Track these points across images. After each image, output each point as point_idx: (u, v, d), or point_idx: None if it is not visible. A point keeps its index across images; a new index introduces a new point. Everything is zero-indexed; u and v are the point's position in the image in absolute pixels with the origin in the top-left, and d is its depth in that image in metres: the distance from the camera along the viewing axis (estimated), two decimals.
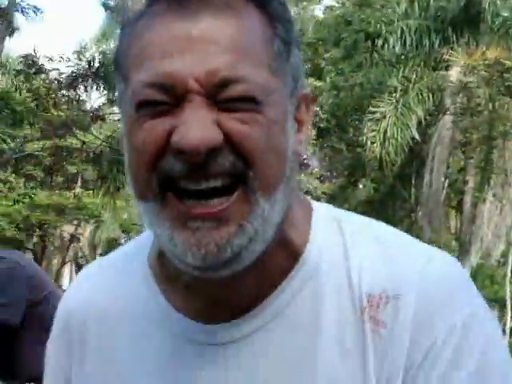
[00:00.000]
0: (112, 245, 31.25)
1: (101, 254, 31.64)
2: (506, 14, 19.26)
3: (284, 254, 1.05)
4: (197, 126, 0.93)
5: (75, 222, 28.82)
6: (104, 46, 28.92)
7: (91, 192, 23.98)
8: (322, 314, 1.03)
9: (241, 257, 0.97)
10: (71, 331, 1.17)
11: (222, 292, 1.04)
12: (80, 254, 32.24)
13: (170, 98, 0.95)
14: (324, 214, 1.11)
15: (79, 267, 31.72)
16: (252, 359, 1.04)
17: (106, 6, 25.48)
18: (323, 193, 23.85)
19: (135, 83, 0.97)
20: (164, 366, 1.08)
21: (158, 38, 0.97)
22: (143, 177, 0.98)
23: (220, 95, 0.94)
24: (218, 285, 1.02)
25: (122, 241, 30.99)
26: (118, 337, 1.13)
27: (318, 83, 23.59)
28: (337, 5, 29.41)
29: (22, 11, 20.93)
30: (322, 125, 22.56)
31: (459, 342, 1.00)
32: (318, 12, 32.00)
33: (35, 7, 21.27)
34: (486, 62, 17.96)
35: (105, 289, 1.16)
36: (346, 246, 1.07)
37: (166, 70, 0.95)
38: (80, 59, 19.14)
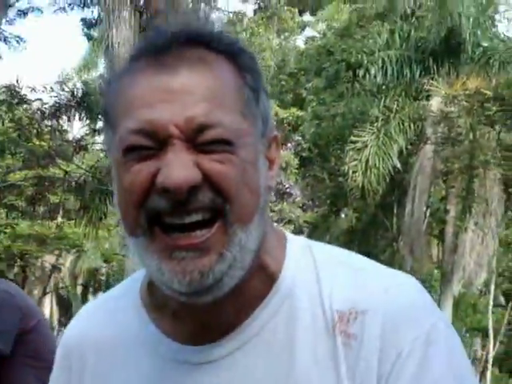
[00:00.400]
0: (93, 275, 31.10)
1: (82, 285, 31.46)
2: (486, 45, 19.46)
3: (260, 280, 1.16)
4: (179, 167, 1.05)
5: (56, 252, 28.66)
6: (86, 76, 28.97)
7: (73, 222, 23.88)
8: (296, 334, 1.13)
9: (222, 282, 1.09)
10: (71, 367, 1.28)
11: (205, 316, 1.15)
12: (61, 285, 32.03)
13: (153, 142, 1.07)
14: (297, 243, 1.22)
15: (60, 298, 31.52)
16: (231, 377, 1.14)
17: (88, 37, 25.54)
18: (305, 221, 23.91)
19: (122, 131, 1.09)
20: None
21: (141, 91, 1.09)
22: (132, 215, 1.09)
23: (198, 139, 1.07)
24: (201, 310, 1.13)
25: (103, 270, 30.86)
26: (113, 365, 1.23)
27: (300, 113, 23.74)
28: (318, 35, 29.67)
29: (5, 40, 20.97)
30: (304, 154, 22.70)
31: (423, 351, 1.09)
32: (300, 42, 32.26)
33: (18, 37, 21.31)
34: (467, 91, 18.12)
35: (99, 324, 1.28)
36: (317, 272, 1.17)
37: (150, 118, 1.07)
38: (63, 89, 19.15)
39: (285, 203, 22.22)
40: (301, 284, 1.16)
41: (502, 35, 20.63)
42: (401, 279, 1.17)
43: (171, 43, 1.11)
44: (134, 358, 1.21)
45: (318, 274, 1.17)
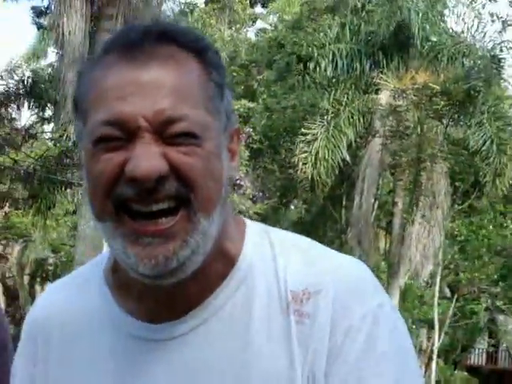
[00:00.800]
0: (40, 265, 30.79)
1: (29, 274, 31.14)
2: (434, 39, 19.67)
3: (221, 263, 1.23)
4: (147, 158, 1.11)
5: (3, 242, 28.36)
6: (35, 65, 28.64)
7: (21, 211, 23.64)
8: (252, 312, 1.21)
9: (185, 266, 1.16)
10: (36, 339, 1.33)
11: (168, 296, 1.21)
12: (8, 274, 31.67)
13: (123, 134, 1.12)
14: (256, 229, 1.30)
15: (6, 287, 31.13)
16: (193, 351, 1.21)
17: (38, 25, 25.24)
18: (256, 213, 23.96)
19: (93, 122, 1.14)
20: (119, 363, 1.24)
21: (112, 84, 1.14)
22: (101, 201, 1.15)
23: (166, 132, 1.13)
24: (164, 290, 1.19)
25: (51, 261, 30.58)
26: (77, 342, 1.28)
27: (251, 104, 23.77)
28: (269, 27, 29.73)
29: None
30: (254, 146, 22.72)
31: (371, 328, 1.18)
32: (251, 34, 32.28)
33: None
34: (416, 86, 18.33)
35: (66, 301, 1.33)
36: (274, 254, 1.25)
37: (120, 110, 1.12)
38: (12, 77, 18.94)
39: (235, 195, 22.26)
40: (258, 266, 1.24)
41: (451, 30, 20.88)
42: (350, 262, 1.26)
43: (143, 39, 1.16)
44: (98, 335, 1.27)
45: (274, 256, 1.25)
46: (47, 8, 18.51)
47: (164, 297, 1.22)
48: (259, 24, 32.92)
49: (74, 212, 25.37)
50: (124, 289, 1.26)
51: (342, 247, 20.73)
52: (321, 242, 1.34)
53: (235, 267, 1.24)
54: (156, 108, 1.12)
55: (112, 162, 1.13)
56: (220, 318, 1.22)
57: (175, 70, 1.15)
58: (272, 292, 1.22)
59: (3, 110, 18.88)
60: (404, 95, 18.47)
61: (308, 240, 1.31)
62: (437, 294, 22.78)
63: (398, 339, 1.22)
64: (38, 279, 31.52)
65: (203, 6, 30.95)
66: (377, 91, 19.22)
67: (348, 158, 19.13)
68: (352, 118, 18.72)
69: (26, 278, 31.45)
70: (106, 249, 1.39)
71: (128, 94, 1.12)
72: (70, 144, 17.82)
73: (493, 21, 21.37)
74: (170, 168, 1.12)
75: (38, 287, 30.98)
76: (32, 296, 28.74)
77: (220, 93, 1.20)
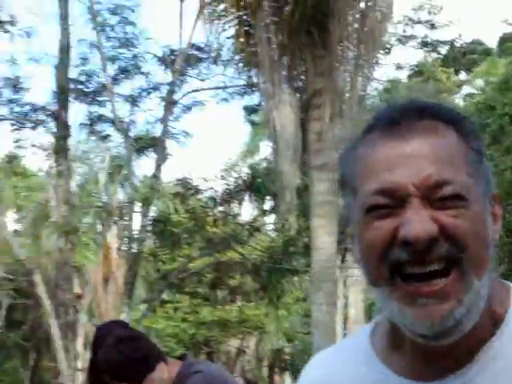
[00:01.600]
0: (277, 355, 31.16)
1: (267, 366, 31.54)
2: None
3: (489, 322, 1.25)
4: (418, 222, 1.18)
5: (240, 336, 29.02)
6: (250, 161, 29.64)
7: (252, 304, 24.20)
8: None
9: (462, 325, 1.19)
10: None
11: (438, 356, 1.25)
12: (247, 368, 32.24)
13: (393, 201, 1.21)
14: None
15: (247, 381, 31.63)
16: None
17: (251, 122, 26.30)
18: None
19: (364, 193, 1.24)
20: None
21: (379, 158, 1.24)
22: (376, 266, 1.23)
23: (433, 196, 1.20)
24: (434, 350, 1.23)
25: (287, 350, 30.88)
26: None
27: None
28: (476, 92, 29.29)
29: (174, 137, 21.66)
30: None
31: None
32: (458, 101, 31.93)
33: (185, 132, 21.97)
34: None
35: (332, 368, 1.42)
36: None
37: (390, 179, 1.21)
38: (231, 175, 19.72)
39: None
40: None
41: None
42: None
43: (402, 116, 1.26)
44: None
45: None
46: (258, 105, 19.24)
47: (433, 356, 1.25)
48: (465, 90, 32.56)
49: (304, 299, 25.67)
50: (394, 350, 1.32)
51: None
52: None
53: (500, 329, 1.26)
54: (423, 174, 1.19)
55: (384, 229, 1.20)
56: (485, 376, 1.23)
57: (435, 140, 1.23)
58: None
59: (227, 206, 19.65)
60: None
61: None
62: None
63: None
64: (276, 370, 31.88)
65: (406, 80, 31.03)
66: None
67: None
68: None
69: (265, 370, 31.87)
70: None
71: (394, 165, 1.21)
72: (293, 233, 18.18)
73: None
74: (440, 230, 1.18)
75: (276, 377, 31.34)
76: None
77: (479, 159, 1.27)
